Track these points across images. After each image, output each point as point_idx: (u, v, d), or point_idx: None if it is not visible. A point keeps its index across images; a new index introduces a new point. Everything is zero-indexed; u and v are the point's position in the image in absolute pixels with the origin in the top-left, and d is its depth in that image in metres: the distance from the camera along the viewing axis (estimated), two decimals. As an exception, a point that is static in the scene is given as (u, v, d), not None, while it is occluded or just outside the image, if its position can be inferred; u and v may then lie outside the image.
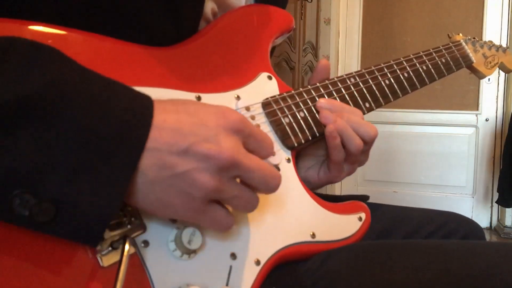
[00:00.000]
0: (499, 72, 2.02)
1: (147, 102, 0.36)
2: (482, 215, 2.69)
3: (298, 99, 0.57)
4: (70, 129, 0.32)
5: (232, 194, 0.39)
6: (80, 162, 0.32)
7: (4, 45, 0.34)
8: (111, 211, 0.34)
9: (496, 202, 2.43)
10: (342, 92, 0.60)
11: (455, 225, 0.67)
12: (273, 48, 0.66)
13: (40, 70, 0.33)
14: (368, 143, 0.57)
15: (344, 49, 2.89)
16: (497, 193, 2.38)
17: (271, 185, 0.41)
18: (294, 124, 0.55)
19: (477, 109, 2.68)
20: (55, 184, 0.32)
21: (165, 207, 0.37)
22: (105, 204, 0.33)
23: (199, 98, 0.49)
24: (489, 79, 2.59)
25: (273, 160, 0.52)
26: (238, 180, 0.40)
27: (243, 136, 0.39)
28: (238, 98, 0.53)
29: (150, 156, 0.35)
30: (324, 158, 0.59)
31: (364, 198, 0.66)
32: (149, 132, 0.35)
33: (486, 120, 2.67)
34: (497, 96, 2.64)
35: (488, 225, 2.70)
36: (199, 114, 0.38)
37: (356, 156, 0.57)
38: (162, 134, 0.35)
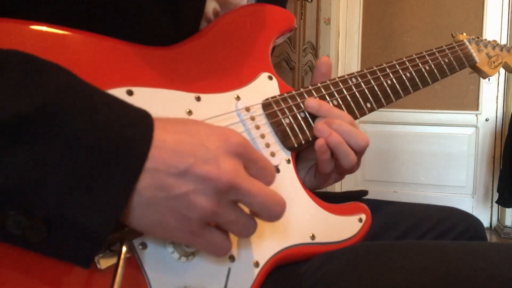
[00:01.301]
0: (499, 72, 2.02)
1: (147, 121, 0.36)
2: (482, 215, 2.69)
3: (299, 100, 0.56)
4: (66, 148, 0.31)
5: (229, 219, 0.38)
6: (75, 182, 0.31)
7: (1, 59, 0.33)
8: (104, 234, 0.33)
9: (496, 202, 2.43)
10: (344, 92, 0.60)
11: (455, 220, 0.67)
12: (273, 48, 0.65)
13: (37, 87, 0.32)
14: (358, 153, 0.56)
15: (344, 49, 2.88)
16: (497, 193, 2.38)
17: (273, 212, 0.39)
18: (294, 125, 0.55)
19: (477, 109, 2.68)
20: (49, 203, 0.31)
21: (161, 229, 0.36)
22: (98, 227, 0.32)
23: (198, 98, 0.49)
24: (489, 79, 2.58)
25: (273, 161, 0.51)
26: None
27: (245, 160, 0.38)
28: (238, 98, 0.52)
29: (148, 177, 0.34)
30: (313, 164, 0.59)
31: (363, 193, 0.66)
32: (149, 152, 0.34)
33: (486, 120, 2.67)
34: (497, 96, 2.64)
35: (488, 225, 2.70)
36: (200, 135, 0.37)
37: (347, 169, 0.56)
38: (162, 155, 0.34)
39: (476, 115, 2.68)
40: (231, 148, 0.37)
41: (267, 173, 0.40)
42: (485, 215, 2.70)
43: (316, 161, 0.56)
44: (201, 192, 0.35)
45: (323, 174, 0.57)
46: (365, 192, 0.66)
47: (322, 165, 0.55)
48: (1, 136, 0.30)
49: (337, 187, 2.86)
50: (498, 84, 2.63)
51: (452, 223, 0.66)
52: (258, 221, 0.40)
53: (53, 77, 0.34)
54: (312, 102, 0.55)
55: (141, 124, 0.35)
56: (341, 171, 0.58)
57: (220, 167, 0.35)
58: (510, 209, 2.53)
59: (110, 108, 0.35)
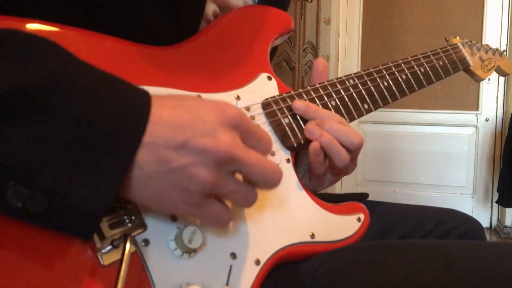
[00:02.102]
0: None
1: (144, 97, 0.36)
2: (482, 215, 2.69)
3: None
4: (66, 121, 0.32)
5: (229, 189, 0.39)
6: (75, 155, 0.32)
7: (2, 37, 0.34)
8: (105, 205, 0.33)
9: (496, 202, 2.43)
10: (341, 93, 0.61)
11: (455, 222, 0.67)
12: (275, 49, 0.66)
13: (37, 62, 0.33)
14: (352, 152, 0.56)
15: (344, 49, 2.89)
16: (497, 193, 2.38)
17: (271, 179, 0.40)
18: (293, 124, 0.55)
19: (477, 109, 2.68)
20: (49, 176, 0.31)
21: (162, 202, 0.37)
22: (99, 198, 0.33)
23: (199, 98, 0.49)
24: (489, 79, 2.59)
25: (273, 160, 0.52)
26: (240, 175, 0.40)
27: (241, 131, 0.39)
28: (238, 98, 0.53)
29: (147, 151, 0.35)
30: (308, 167, 0.59)
31: (363, 196, 0.66)
32: (146, 127, 0.35)
33: (486, 120, 2.67)
34: (497, 96, 2.64)
35: (488, 225, 2.70)
36: (197, 109, 0.38)
37: (341, 169, 0.57)
38: (159, 129, 0.35)
39: (476, 115, 2.69)
40: (227, 120, 0.38)
41: (264, 143, 0.41)
42: (485, 215, 2.70)
43: (309, 164, 0.56)
44: (200, 164, 0.36)
45: (317, 176, 0.57)
46: (365, 196, 0.67)
47: (315, 167, 0.55)
48: (1, 110, 0.31)
49: (337, 187, 2.87)
50: (498, 84, 2.63)
51: (452, 225, 0.66)
52: (258, 220, 0.41)
53: (53, 55, 0.35)
54: (299, 104, 0.55)
55: (138, 99, 0.36)
56: (336, 172, 0.58)
57: (217, 139, 0.36)
58: (510, 209, 2.53)
59: (108, 85, 0.36)
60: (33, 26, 0.41)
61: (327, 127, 0.54)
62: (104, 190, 0.33)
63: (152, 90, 0.37)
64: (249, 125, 0.40)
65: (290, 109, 0.56)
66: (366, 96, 0.63)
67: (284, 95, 0.56)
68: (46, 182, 0.31)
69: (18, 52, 0.33)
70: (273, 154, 0.53)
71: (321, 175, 0.57)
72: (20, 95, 0.31)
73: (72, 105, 0.33)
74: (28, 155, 0.31)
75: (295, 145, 0.54)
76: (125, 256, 0.36)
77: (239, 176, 0.40)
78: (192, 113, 0.37)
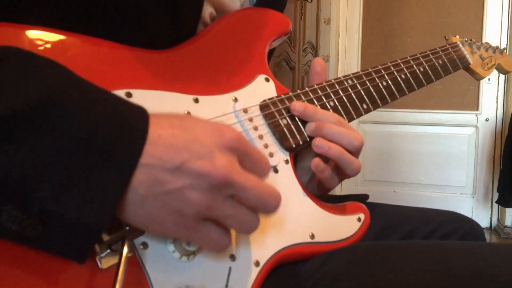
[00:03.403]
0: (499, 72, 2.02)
1: (142, 117, 0.36)
2: (482, 215, 2.69)
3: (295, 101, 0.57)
4: (62, 143, 0.32)
5: (226, 213, 0.38)
6: (70, 177, 0.32)
7: None
8: (99, 229, 0.33)
9: (496, 202, 2.43)
10: (340, 94, 0.61)
11: (455, 225, 0.67)
12: (272, 50, 0.66)
13: (32, 83, 0.32)
14: (353, 153, 0.55)
15: (344, 49, 2.89)
16: (497, 193, 2.38)
17: (269, 205, 0.39)
18: (292, 125, 0.55)
19: (477, 109, 2.68)
20: (44, 198, 0.31)
21: (156, 224, 0.37)
22: (93, 223, 0.32)
23: (197, 100, 0.49)
24: (489, 79, 2.59)
25: (271, 161, 0.52)
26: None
27: (239, 154, 0.38)
28: (235, 100, 0.53)
29: (143, 172, 0.34)
30: (313, 173, 0.58)
31: (363, 197, 0.66)
32: (143, 148, 0.34)
33: (486, 120, 2.67)
34: (497, 96, 2.64)
35: (488, 225, 2.70)
36: (195, 130, 0.37)
37: (350, 176, 0.56)
38: (156, 150, 0.34)
39: (476, 115, 2.69)
40: (225, 143, 0.37)
41: (262, 166, 0.41)
42: (485, 215, 2.70)
43: (318, 179, 0.56)
44: (195, 187, 0.35)
45: (329, 188, 0.57)
46: (366, 197, 0.67)
47: (325, 182, 0.55)
48: None
49: (337, 187, 2.86)
50: (498, 84, 2.63)
51: (453, 227, 0.66)
52: (261, 219, 0.40)
53: (49, 73, 0.34)
54: (297, 105, 0.55)
55: (136, 119, 0.35)
56: (344, 178, 0.58)
57: (214, 163, 0.35)
58: (510, 209, 2.53)
59: (105, 104, 0.35)
60: (31, 33, 0.41)
61: (326, 129, 0.54)
62: (100, 213, 0.32)
63: (150, 93, 0.37)
64: (247, 148, 0.39)
65: (288, 110, 0.55)
66: (364, 96, 0.63)
67: (282, 96, 0.56)
68: (41, 206, 0.31)
69: (14, 71, 0.32)
70: (271, 155, 0.52)
71: (332, 187, 0.57)
72: (15, 116, 0.31)
73: (68, 125, 0.32)
74: (24, 177, 0.31)
75: (294, 146, 0.54)
76: (123, 259, 0.36)
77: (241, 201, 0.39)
78: (190, 135, 0.36)
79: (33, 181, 0.31)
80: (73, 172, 0.32)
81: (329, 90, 0.60)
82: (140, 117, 0.36)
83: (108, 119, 0.34)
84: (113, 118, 0.34)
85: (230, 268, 0.43)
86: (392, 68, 0.68)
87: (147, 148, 0.34)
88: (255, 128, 0.52)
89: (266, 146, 0.52)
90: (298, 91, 0.58)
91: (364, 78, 0.64)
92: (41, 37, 0.42)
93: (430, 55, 0.75)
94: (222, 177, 0.35)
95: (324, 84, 0.60)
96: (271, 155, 0.52)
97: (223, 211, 0.37)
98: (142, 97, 0.45)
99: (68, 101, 0.33)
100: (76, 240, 0.33)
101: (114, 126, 0.34)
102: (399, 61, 0.69)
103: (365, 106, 0.63)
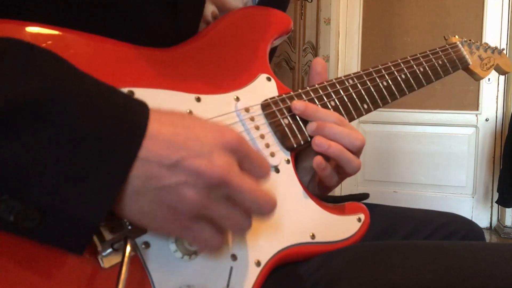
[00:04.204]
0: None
1: (143, 111, 0.36)
2: (482, 215, 2.69)
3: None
4: (61, 135, 0.32)
5: (219, 213, 0.38)
6: (69, 169, 0.32)
7: (0, 47, 0.33)
8: (97, 220, 0.33)
9: (496, 202, 2.43)
10: (341, 93, 0.61)
11: (455, 226, 0.67)
12: (274, 49, 0.66)
13: (34, 74, 0.33)
14: (355, 153, 0.55)
15: (344, 49, 2.89)
16: (497, 193, 2.38)
17: (264, 209, 0.39)
18: (293, 125, 0.55)
19: (477, 109, 2.68)
20: (42, 191, 0.31)
21: (149, 219, 0.37)
22: (92, 214, 0.32)
23: (198, 99, 0.49)
24: (489, 79, 2.59)
25: (272, 161, 0.52)
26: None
27: (239, 156, 0.38)
28: (237, 99, 0.53)
29: (140, 166, 0.34)
30: (315, 172, 0.58)
31: (364, 196, 0.66)
32: (142, 141, 0.34)
33: (486, 120, 2.67)
34: (497, 96, 2.64)
35: (488, 225, 2.70)
36: (196, 129, 0.37)
37: (350, 174, 0.56)
38: (155, 145, 0.35)
39: (476, 115, 2.69)
40: (225, 144, 0.37)
41: (262, 170, 0.41)
42: (485, 215, 2.70)
43: (319, 178, 0.56)
44: (191, 185, 0.35)
45: (329, 187, 0.57)
46: (366, 196, 0.67)
47: (325, 180, 0.55)
48: None
49: (337, 187, 2.87)
50: (498, 84, 2.63)
51: (453, 228, 0.66)
52: (258, 221, 0.40)
53: (50, 66, 0.34)
54: (298, 104, 0.55)
55: (136, 114, 0.35)
56: (344, 176, 0.58)
57: (212, 162, 0.35)
58: (510, 209, 2.53)
59: (106, 98, 0.35)
60: (33, 30, 0.41)
61: (327, 129, 0.54)
62: (98, 205, 0.33)
63: (151, 91, 0.37)
64: (248, 151, 0.39)
65: (289, 110, 0.56)
66: (365, 96, 0.63)
67: (284, 96, 0.56)
68: (39, 197, 0.31)
69: (15, 63, 0.33)
70: (273, 155, 0.53)
71: (333, 186, 0.57)
72: (15, 108, 0.31)
73: (69, 118, 0.32)
74: (22, 168, 0.31)
75: (295, 146, 0.54)
76: (126, 258, 0.36)
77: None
78: (190, 133, 0.36)
79: (31, 173, 0.31)
80: (71, 164, 0.32)
81: (330, 90, 0.60)
82: (140, 111, 0.36)
83: (108, 113, 0.34)
84: (114, 111, 0.34)
85: (231, 268, 0.44)
86: (392, 68, 0.68)
87: (146, 143, 0.34)
88: (257, 128, 0.52)
89: (267, 145, 0.53)
90: (300, 90, 0.58)
91: (365, 78, 0.64)
92: (43, 34, 0.42)
93: (430, 55, 0.75)
94: (218, 177, 0.35)
95: (325, 83, 0.60)
96: (272, 154, 0.52)
97: (217, 211, 0.37)
98: (144, 96, 0.44)
99: (68, 95, 0.33)
100: (74, 232, 0.33)
101: (114, 120, 0.34)
102: (399, 61, 0.70)
103: (365, 106, 0.63)
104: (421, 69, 0.72)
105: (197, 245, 0.40)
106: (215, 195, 0.37)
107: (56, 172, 0.31)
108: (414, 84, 0.70)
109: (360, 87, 0.63)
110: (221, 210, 0.38)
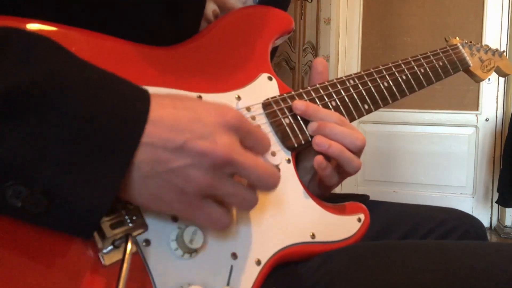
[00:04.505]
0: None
1: (144, 96, 0.36)
2: (482, 215, 2.69)
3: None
4: (65, 120, 0.32)
5: (226, 191, 0.39)
6: (74, 154, 0.32)
7: (1, 35, 0.34)
8: (104, 204, 0.33)
9: (496, 202, 2.43)
10: (342, 94, 0.61)
11: (456, 222, 0.67)
12: (275, 49, 0.66)
13: (36, 61, 0.33)
14: (355, 153, 0.56)
15: (344, 49, 2.89)
16: (497, 193, 2.38)
17: (268, 183, 0.41)
18: (294, 125, 0.55)
19: (477, 109, 2.68)
20: (48, 176, 0.32)
21: (159, 202, 0.37)
22: (99, 198, 0.33)
23: (200, 98, 0.49)
24: (489, 79, 2.59)
25: (273, 160, 0.52)
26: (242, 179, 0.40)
27: (241, 134, 0.39)
28: (238, 98, 0.53)
29: (145, 151, 0.35)
30: (315, 172, 0.58)
31: (364, 198, 0.66)
32: (145, 127, 0.35)
33: (486, 120, 2.67)
34: (497, 96, 2.65)
35: (488, 225, 2.70)
36: (197, 111, 0.38)
37: (351, 174, 0.57)
38: (158, 130, 0.35)
39: (476, 115, 2.69)
40: (227, 123, 0.38)
41: (263, 145, 0.42)
42: (485, 215, 2.70)
43: (319, 177, 0.56)
44: (197, 166, 0.36)
45: (329, 186, 0.57)
46: (366, 197, 0.67)
47: (326, 179, 0.56)
48: (1, 109, 0.31)
49: (337, 187, 2.87)
50: (498, 84, 2.63)
51: (454, 224, 0.66)
52: (259, 220, 0.41)
53: (52, 53, 0.35)
54: (299, 104, 0.55)
55: (138, 99, 0.36)
56: (344, 176, 0.58)
57: (216, 142, 0.36)
58: (510, 209, 2.54)
59: (108, 84, 0.36)
60: (34, 26, 0.41)
61: (328, 129, 0.54)
62: (104, 190, 0.33)
63: (152, 90, 0.37)
64: (249, 128, 0.40)
65: (290, 109, 0.56)
66: (366, 97, 0.63)
67: (285, 95, 0.56)
68: (45, 182, 0.32)
69: (17, 50, 0.33)
70: (273, 154, 0.53)
71: (333, 185, 0.57)
72: (18, 94, 0.31)
73: (71, 104, 0.32)
74: (27, 155, 0.31)
75: (296, 145, 0.54)
76: (127, 256, 0.36)
77: (240, 179, 0.40)
78: (192, 115, 0.37)
79: (37, 159, 0.31)
80: (76, 152, 0.32)
81: (331, 90, 0.60)
82: (142, 97, 0.36)
83: (111, 99, 0.34)
84: (116, 98, 0.35)
85: (231, 267, 0.44)
86: (393, 68, 0.68)
87: (149, 128, 0.35)
88: (258, 127, 0.52)
89: (268, 145, 0.53)
90: (301, 90, 0.58)
91: (366, 78, 0.64)
92: (45, 31, 0.42)
93: (431, 56, 0.75)
94: (223, 156, 0.36)
95: (326, 83, 0.60)
96: (273, 154, 0.53)
97: (224, 189, 0.39)
98: None
99: (69, 81, 0.33)
100: (82, 216, 0.33)
101: (116, 106, 0.34)
102: (400, 61, 0.70)
103: (366, 106, 0.63)
104: (422, 70, 0.72)
105: (208, 225, 0.41)
106: (221, 174, 0.38)
107: (61, 158, 0.32)
108: (414, 85, 0.70)
109: (361, 88, 0.63)
110: (228, 188, 0.39)
